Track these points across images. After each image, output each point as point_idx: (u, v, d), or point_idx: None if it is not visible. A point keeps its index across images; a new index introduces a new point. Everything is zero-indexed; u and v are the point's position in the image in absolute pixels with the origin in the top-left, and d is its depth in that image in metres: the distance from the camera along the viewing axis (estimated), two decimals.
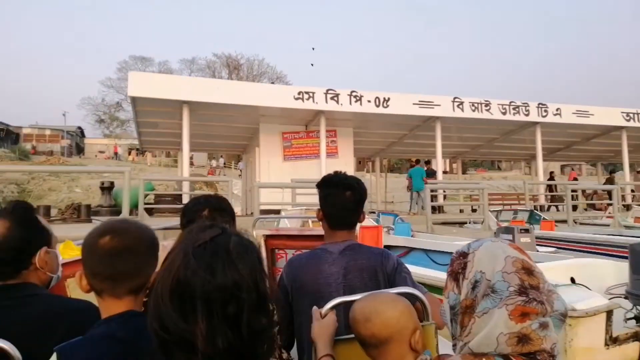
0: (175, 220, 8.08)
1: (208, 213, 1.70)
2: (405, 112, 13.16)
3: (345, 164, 13.92)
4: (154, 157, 40.99)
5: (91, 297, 1.20)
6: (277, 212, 9.53)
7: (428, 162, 14.67)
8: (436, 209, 12.62)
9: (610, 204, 13.47)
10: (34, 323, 1.26)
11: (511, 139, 16.70)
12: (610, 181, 17.35)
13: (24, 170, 22.54)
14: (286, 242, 3.03)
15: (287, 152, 13.73)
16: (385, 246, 6.76)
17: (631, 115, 15.66)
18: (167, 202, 11.58)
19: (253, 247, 0.89)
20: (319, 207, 1.87)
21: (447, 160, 26.80)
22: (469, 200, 18.87)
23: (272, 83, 37.75)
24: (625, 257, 5.57)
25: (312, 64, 44.67)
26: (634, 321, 2.75)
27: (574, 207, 11.78)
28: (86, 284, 1.14)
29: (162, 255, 1.09)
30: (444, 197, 15.83)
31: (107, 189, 12.17)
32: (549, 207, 15.94)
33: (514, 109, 14.10)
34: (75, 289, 1.78)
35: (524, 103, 14.26)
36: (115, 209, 10.77)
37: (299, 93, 12.24)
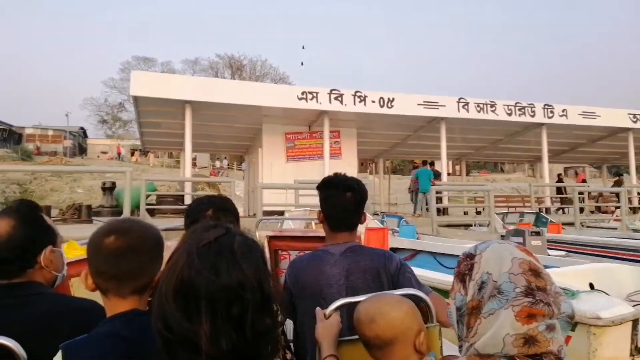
0: (178, 221, 8.00)
1: (212, 213, 1.70)
2: (410, 113, 13.02)
3: (349, 165, 13.81)
4: (156, 157, 40.95)
5: (95, 296, 1.22)
6: (281, 213, 9.39)
7: (432, 164, 14.49)
8: (440, 211, 12.47)
9: (618, 207, 13.32)
10: (38, 321, 1.26)
11: (516, 141, 16.55)
12: (618, 184, 17.15)
13: (25, 170, 22.49)
14: (289, 243, 2.99)
15: (290, 153, 13.61)
16: (391, 248, 6.63)
17: (638, 116, 15.48)
18: (169, 203, 11.49)
19: (257, 247, 0.89)
20: (320, 209, 1.86)
21: (450, 162, 26.65)
22: (473, 202, 18.72)
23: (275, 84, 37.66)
24: (637, 261, 5.46)
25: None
26: None
27: (580, 210, 11.61)
28: (91, 283, 1.14)
29: (166, 255, 1.14)
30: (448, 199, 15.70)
31: (109, 189, 12.09)
32: (558, 209, 15.79)
33: (519, 109, 13.95)
34: (79, 288, 1.86)
35: (529, 104, 14.10)
36: (117, 210, 10.69)
37: (302, 93, 12.12)
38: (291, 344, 1.78)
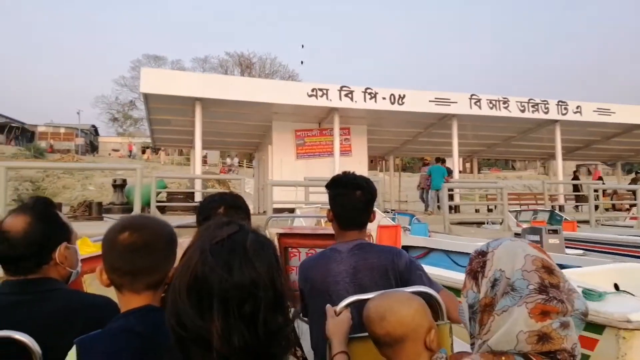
0: (188, 218, 7.97)
1: (223, 210, 1.70)
2: (421, 110, 12.86)
3: (359, 163, 13.73)
4: (167, 155, 41.15)
5: (107, 292, 1.24)
6: (291, 210, 9.33)
7: (443, 161, 14.33)
8: (452, 209, 12.33)
9: (634, 205, 13.08)
10: (53, 317, 1.28)
11: (529, 138, 16.30)
12: (635, 181, 16.86)
13: (37, 167, 22.70)
14: (299, 241, 3.00)
15: (300, 150, 13.54)
16: (404, 246, 6.53)
17: None
18: (179, 200, 11.47)
19: (270, 245, 0.89)
20: (329, 208, 1.86)
21: (461, 160, 26.40)
22: (485, 200, 18.52)
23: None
24: None
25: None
26: None
27: (595, 208, 11.42)
28: (106, 279, 1.16)
29: (178, 253, 1.14)
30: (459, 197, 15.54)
31: (120, 186, 12.11)
32: (576, 207, 15.56)
33: (532, 106, 13.72)
34: (92, 284, 1.95)
35: (543, 100, 13.87)
36: (128, 207, 10.71)
37: (312, 90, 12.02)
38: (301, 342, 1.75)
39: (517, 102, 13.55)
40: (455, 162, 13.97)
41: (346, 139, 13.68)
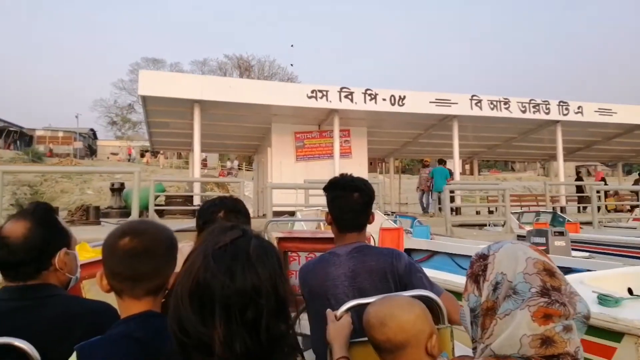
0: (187, 222, 7.86)
1: (223, 215, 1.70)
2: (422, 111, 12.76)
3: (359, 165, 13.64)
4: (165, 158, 41.02)
5: (106, 298, 1.24)
6: (291, 213, 9.23)
7: (444, 163, 14.24)
8: (453, 211, 12.24)
9: (637, 206, 12.99)
10: (52, 323, 1.27)
11: (529, 139, 16.22)
12: (638, 182, 16.77)
13: (34, 171, 22.55)
14: (299, 245, 3.00)
15: (300, 153, 13.43)
16: (407, 249, 6.43)
17: None
18: (178, 204, 11.35)
19: (273, 250, 0.88)
20: (327, 211, 1.85)
21: (460, 161, 26.23)
22: (486, 201, 18.42)
23: None
24: None
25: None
26: None
27: (597, 209, 11.31)
28: (106, 284, 1.15)
29: (178, 258, 1.18)
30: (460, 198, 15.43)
31: (118, 190, 12.00)
32: (580, 208, 15.46)
33: (534, 107, 13.63)
34: (91, 290, 1.94)
35: (544, 101, 13.78)
36: (126, 211, 10.61)
37: (312, 91, 11.93)
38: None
39: (518, 102, 13.46)
40: (456, 164, 13.87)
41: (346, 140, 13.58)
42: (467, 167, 26.30)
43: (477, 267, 1.02)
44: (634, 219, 12.16)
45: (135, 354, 1.03)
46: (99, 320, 1.23)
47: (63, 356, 1.03)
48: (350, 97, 12.10)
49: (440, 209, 12.99)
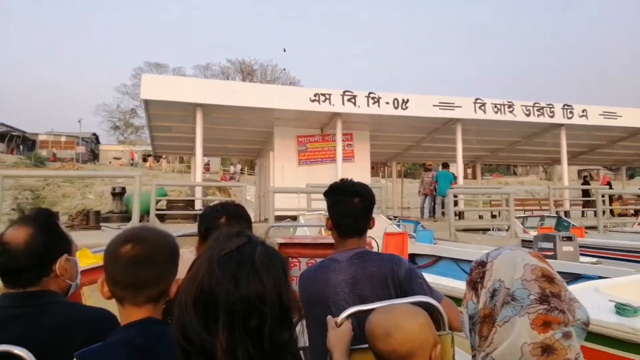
0: (188, 227, 7.78)
1: (225, 220, 1.70)
2: (425, 114, 12.68)
3: (362, 169, 13.56)
4: (168, 163, 41.03)
5: (106, 304, 1.24)
6: (294, 218, 9.14)
7: (447, 166, 14.13)
8: (456, 215, 12.14)
9: None
10: (53, 331, 1.27)
11: (533, 142, 16.12)
12: None
13: (35, 175, 22.55)
14: (300, 251, 2.99)
15: (302, 156, 13.35)
16: (411, 255, 6.34)
17: None
18: (179, 208, 11.28)
19: (278, 258, 0.87)
20: (327, 216, 1.84)
21: (463, 165, 26.03)
22: (488, 205, 18.31)
23: None
24: None
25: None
26: None
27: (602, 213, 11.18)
28: (107, 291, 1.15)
29: (179, 264, 1.19)
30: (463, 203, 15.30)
31: (119, 194, 11.91)
32: (585, 212, 15.31)
33: (538, 110, 13.53)
34: (91, 296, 1.94)
35: (548, 104, 13.68)
36: (127, 215, 10.52)
37: (314, 95, 11.85)
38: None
39: (522, 106, 13.36)
40: (459, 168, 13.77)
41: (349, 144, 13.50)
42: (470, 171, 26.16)
43: (476, 275, 1.01)
44: (639, 224, 12.02)
45: None
46: (99, 327, 1.23)
47: None
48: (353, 100, 12.03)
49: (443, 213, 12.88)
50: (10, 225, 1.41)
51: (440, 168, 14.59)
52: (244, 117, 12.43)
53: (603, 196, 11.36)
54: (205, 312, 0.78)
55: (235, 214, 1.77)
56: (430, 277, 4.23)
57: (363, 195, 1.79)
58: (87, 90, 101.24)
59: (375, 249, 5.91)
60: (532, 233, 9.65)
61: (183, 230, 6.54)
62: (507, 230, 9.96)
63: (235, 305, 0.78)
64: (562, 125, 14.00)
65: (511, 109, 13.24)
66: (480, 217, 16.78)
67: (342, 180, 1.89)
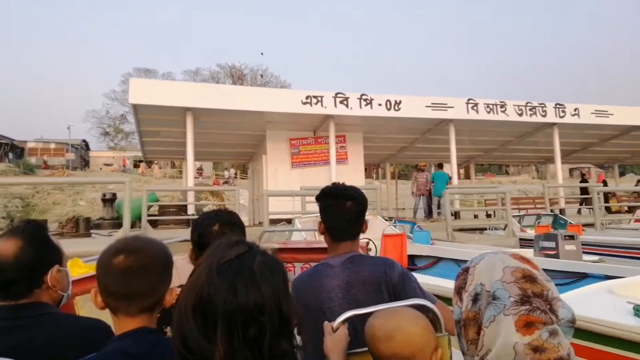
0: (181, 232, 7.62)
1: (218, 227, 1.69)
2: (418, 115, 12.64)
3: (355, 171, 13.49)
4: (160, 168, 40.71)
5: (100, 314, 1.24)
6: (288, 221, 9.00)
7: (441, 166, 14.07)
8: (452, 215, 12.07)
9: (638, 207, 12.88)
10: (46, 343, 1.26)
11: (526, 142, 16.16)
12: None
13: (24, 183, 22.21)
14: (294, 256, 2.95)
15: (295, 159, 13.24)
16: (410, 256, 6.23)
17: None
18: (171, 213, 11.09)
19: (278, 267, 0.87)
20: (320, 220, 1.82)
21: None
22: (483, 205, 18.28)
23: None
24: None
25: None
26: None
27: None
28: (101, 301, 1.14)
29: (173, 272, 1.20)
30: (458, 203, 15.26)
31: (109, 200, 11.71)
32: (580, 210, 15.30)
33: (530, 109, 13.54)
34: (84, 306, 1.90)
35: (540, 103, 13.70)
36: (118, 222, 10.33)
37: (306, 97, 11.75)
38: None
39: (514, 105, 13.37)
40: (453, 168, 13.73)
41: (342, 146, 13.41)
42: (462, 171, 26.17)
43: (461, 281, 1.02)
44: (635, 220, 12.02)
45: None
46: (93, 338, 1.23)
47: None
48: (345, 102, 11.94)
49: (439, 213, 12.81)
50: None
51: (433, 169, 14.53)
52: (235, 121, 12.30)
53: (598, 194, 11.36)
54: (204, 320, 0.78)
55: (228, 221, 1.75)
56: (430, 279, 4.12)
57: (356, 198, 1.78)
58: (76, 97, 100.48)
59: (373, 252, 5.82)
60: (530, 231, 9.60)
61: (175, 238, 6.39)
62: (504, 229, 9.90)
63: (233, 314, 0.77)
64: (554, 124, 14.02)
65: (504, 109, 13.24)
66: (475, 216, 16.76)
67: (334, 184, 1.86)
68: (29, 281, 1.35)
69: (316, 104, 11.77)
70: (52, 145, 47.04)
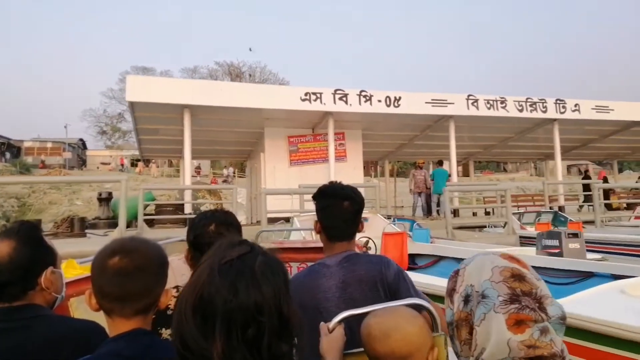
0: (177, 231, 7.50)
1: (214, 227, 1.68)
2: (417, 112, 12.52)
3: (354, 168, 13.39)
4: (157, 167, 40.53)
5: (94, 316, 1.23)
6: (287, 219, 8.89)
7: (441, 164, 13.97)
8: (451, 213, 11.97)
9: (638, 204, 12.81)
10: (40, 345, 1.25)
11: (525, 138, 16.07)
12: None
13: (20, 182, 22.07)
14: (291, 255, 2.92)
15: (294, 157, 13.13)
16: (411, 255, 6.12)
17: None
18: (168, 212, 10.97)
19: (280, 268, 0.87)
20: (316, 219, 1.80)
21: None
22: (482, 202, 18.19)
23: None
24: None
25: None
26: None
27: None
28: (95, 303, 1.14)
29: (168, 272, 1.21)
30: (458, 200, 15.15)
31: (105, 200, 11.60)
32: (579, 207, 15.17)
33: (530, 105, 13.43)
34: (79, 308, 1.90)
35: (541, 99, 13.60)
36: (114, 221, 10.21)
37: (305, 94, 11.63)
38: None
39: (514, 101, 13.27)
40: (453, 165, 13.63)
41: (341, 144, 13.30)
42: (460, 169, 26.10)
43: (452, 283, 1.03)
44: (635, 217, 11.95)
45: None
46: (87, 339, 1.23)
47: None
48: (344, 99, 11.82)
49: (438, 212, 12.71)
50: None
51: (431, 166, 14.45)
52: (232, 118, 12.18)
53: (598, 190, 11.28)
54: (203, 319, 0.78)
55: (224, 221, 1.74)
56: (432, 279, 4.02)
57: (353, 198, 1.76)
58: (73, 96, 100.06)
59: (372, 250, 5.72)
60: (529, 229, 9.50)
61: (174, 238, 6.26)
62: (503, 226, 9.80)
63: (233, 313, 0.77)
64: (555, 120, 13.93)
65: (504, 105, 13.14)
66: (474, 214, 16.69)
67: (331, 182, 1.85)
68: (24, 283, 1.33)
69: (315, 100, 11.65)
70: (49, 145, 46.75)
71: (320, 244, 1.85)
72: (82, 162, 48.43)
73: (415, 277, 3.76)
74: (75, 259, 2.73)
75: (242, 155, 17.99)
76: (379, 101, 12.00)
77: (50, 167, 39.20)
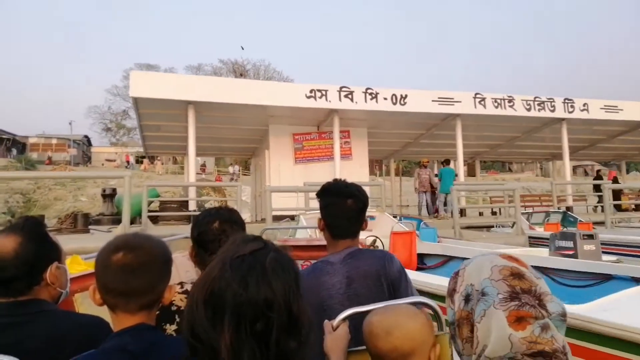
0: (182, 228, 7.40)
1: (218, 225, 1.68)
2: (424, 110, 12.38)
3: (360, 166, 13.27)
4: (162, 164, 40.49)
5: (99, 311, 1.23)
6: (292, 217, 8.78)
7: (447, 162, 13.81)
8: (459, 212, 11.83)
9: None
10: (45, 339, 1.25)
11: (533, 138, 15.90)
12: None
13: (25, 177, 22.07)
14: (295, 253, 2.67)
15: (298, 155, 13.02)
16: (420, 254, 6.00)
17: None
18: (172, 209, 10.90)
19: (290, 266, 0.88)
20: (320, 217, 1.80)
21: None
22: (488, 202, 18.03)
23: None
24: None
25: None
26: None
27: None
28: (99, 298, 1.15)
29: (172, 269, 1.25)
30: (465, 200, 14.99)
31: (109, 196, 11.53)
32: (587, 208, 14.98)
33: (538, 104, 13.26)
34: (83, 303, 1.92)
35: (549, 98, 13.42)
36: (118, 218, 10.14)
37: (310, 91, 11.51)
38: None
39: (522, 100, 13.10)
40: (460, 164, 13.49)
41: (346, 142, 13.18)
42: (466, 168, 25.94)
43: (453, 284, 1.03)
44: None
45: None
46: (92, 334, 1.23)
47: None
48: (350, 96, 11.70)
49: (445, 211, 12.57)
50: None
51: (436, 165, 14.30)
52: (237, 115, 12.07)
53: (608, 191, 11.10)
54: (214, 311, 0.79)
55: (228, 218, 1.73)
56: (442, 280, 3.90)
57: (357, 196, 1.76)
58: (78, 92, 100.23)
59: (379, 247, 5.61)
60: (538, 229, 9.36)
61: (179, 235, 6.16)
62: (512, 226, 9.66)
63: (243, 307, 0.78)
64: (563, 119, 13.75)
65: (511, 104, 12.97)
66: (480, 214, 16.53)
67: (335, 180, 1.85)
68: (29, 278, 1.34)
69: (320, 97, 11.53)
70: (54, 141, 46.80)
71: (325, 242, 1.84)
72: (87, 159, 48.51)
73: (425, 278, 3.65)
74: (78, 254, 2.71)
75: (246, 152, 17.89)
76: (385, 99, 11.87)
77: (55, 163, 39.28)
